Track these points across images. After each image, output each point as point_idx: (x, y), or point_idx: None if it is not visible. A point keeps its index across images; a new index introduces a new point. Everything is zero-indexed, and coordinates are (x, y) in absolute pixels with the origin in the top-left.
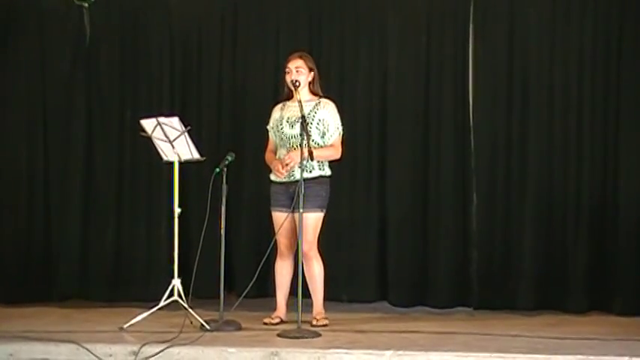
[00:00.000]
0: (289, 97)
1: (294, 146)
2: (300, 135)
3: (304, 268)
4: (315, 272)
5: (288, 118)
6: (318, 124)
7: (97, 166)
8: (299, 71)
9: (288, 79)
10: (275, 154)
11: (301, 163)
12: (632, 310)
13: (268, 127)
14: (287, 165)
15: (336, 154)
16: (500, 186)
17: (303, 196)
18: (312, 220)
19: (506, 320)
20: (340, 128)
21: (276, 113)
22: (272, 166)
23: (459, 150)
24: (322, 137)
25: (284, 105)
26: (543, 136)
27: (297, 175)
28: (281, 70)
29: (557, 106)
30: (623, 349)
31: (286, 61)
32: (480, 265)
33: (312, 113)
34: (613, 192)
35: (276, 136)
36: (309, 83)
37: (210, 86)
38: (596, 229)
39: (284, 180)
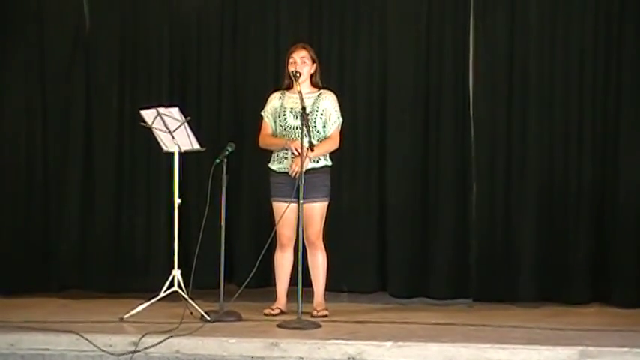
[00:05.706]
0: (289, 87)
1: (298, 137)
2: (301, 128)
3: (309, 258)
4: (319, 262)
5: (292, 109)
6: (321, 114)
7: (96, 156)
8: (304, 62)
9: (291, 69)
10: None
11: (301, 154)
12: (633, 301)
13: (264, 113)
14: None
15: (334, 145)
16: (500, 175)
17: (303, 186)
18: (320, 210)
19: (505, 311)
20: (340, 119)
21: (275, 101)
22: (283, 144)
23: (459, 139)
24: (324, 127)
25: (283, 94)
26: (543, 125)
27: (305, 166)
28: (282, 59)
29: (557, 95)
30: (624, 340)
31: (290, 51)
32: (479, 255)
33: (316, 104)
34: (614, 182)
35: (276, 125)
36: (311, 75)
37: (210, 76)
38: (597, 220)
39: (289, 170)
